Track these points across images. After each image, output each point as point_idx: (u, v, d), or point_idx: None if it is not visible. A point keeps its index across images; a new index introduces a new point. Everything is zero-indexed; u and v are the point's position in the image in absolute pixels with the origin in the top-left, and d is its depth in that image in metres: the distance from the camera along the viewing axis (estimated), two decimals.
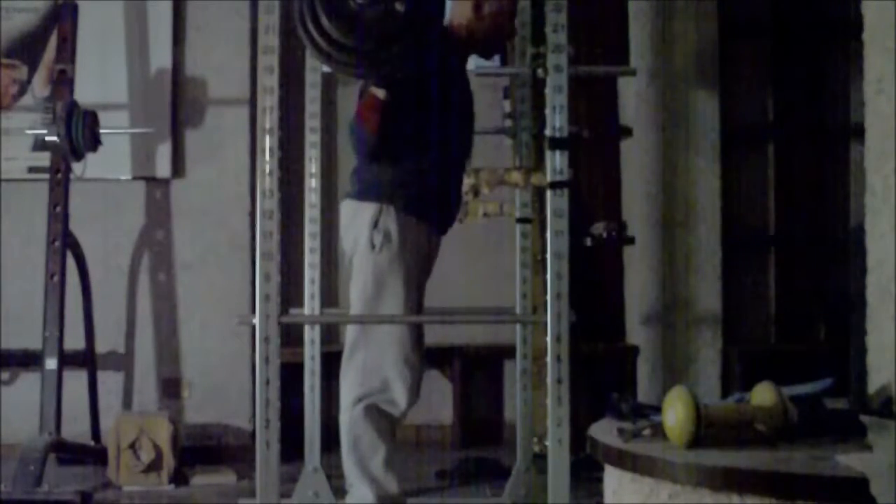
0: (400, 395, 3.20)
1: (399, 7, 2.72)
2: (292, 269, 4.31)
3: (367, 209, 3.21)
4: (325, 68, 3.62)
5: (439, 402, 5.27)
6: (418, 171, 3.21)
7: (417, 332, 3.27)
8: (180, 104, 5.10)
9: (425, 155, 3.21)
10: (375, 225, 3.18)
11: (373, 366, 3.19)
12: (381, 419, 3.21)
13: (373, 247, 3.18)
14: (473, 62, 3.72)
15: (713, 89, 4.74)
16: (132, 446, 4.38)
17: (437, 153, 3.23)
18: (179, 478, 4.46)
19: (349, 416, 3.21)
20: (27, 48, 5.09)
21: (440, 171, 3.26)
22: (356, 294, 3.25)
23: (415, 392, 3.23)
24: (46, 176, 4.57)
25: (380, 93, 3.02)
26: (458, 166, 3.36)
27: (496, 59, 5.30)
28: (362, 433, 3.19)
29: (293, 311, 4.24)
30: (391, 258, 3.18)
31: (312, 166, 3.96)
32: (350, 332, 3.28)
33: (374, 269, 3.19)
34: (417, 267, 3.23)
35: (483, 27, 3.37)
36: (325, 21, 2.73)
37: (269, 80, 2.79)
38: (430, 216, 3.26)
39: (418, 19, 2.75)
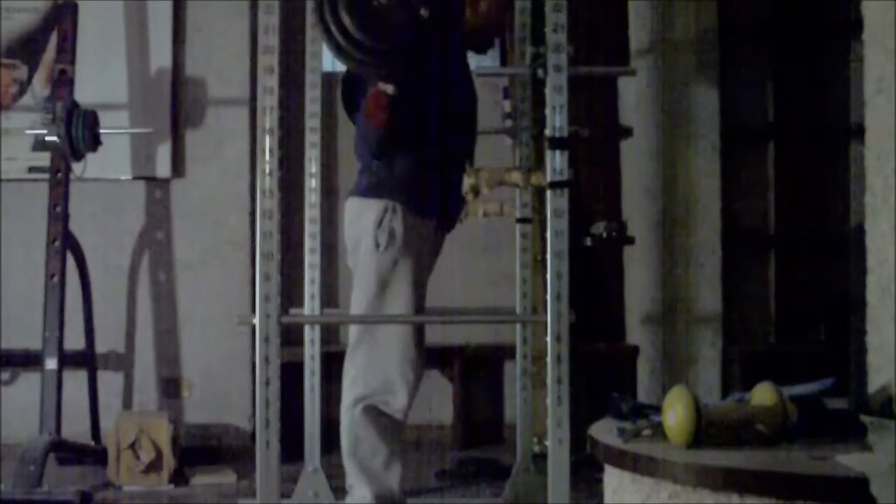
0: (401, 394, 3.20)
1: (423, 13, 2.71)
2: (292, 269, 4.31)
3: (373, 207, 3.21)
4: (326, 68, 3.62)
5: (439, 402, 5.27)
6: (422, 168, 3.21)
7: (419, 332, 3.27)
8: (180, 104, 5.10)
9: (430, 152, 3.21)
10: (380, 224, 3.18)
11: (375, 365, 3.19)
12: (382, 420, 3.21)
13: (377, 246, 3.17)
14: (474, 62, 3.71)
15: (713, 89, 4.73)
16: (132, 446, 4.37)
17: (441, 150, 3.22)
18: (179, 478, 4.46)
19: (349, 416, 3.21)
20: (27, 48, 5.08)
21: (444, 169, 3.25)
22: (359, 293, 3.24)
23: (414, 393, 3.23)
24: (46, 176, 4.57)
25: (388, 88, 3.01)
26: (460, 164, 3.37)
27: (496, 59, 5.33)
28: (363, 434, 3.19)
29: (293, 311, 4.24)
30: (395, 257, 3.18)
31: (312, 166, 3.96)
32: (353, 331, 3.28)
33: (377, 268, 3.19)
34: (420, 266, 3.23)
35: (477, 22, 3.36)
36: (345, 18, 2.71)
37: (269, 80, 2.79)
38: (434, 214, 3.26)
39: (440, 24, 2.77)
